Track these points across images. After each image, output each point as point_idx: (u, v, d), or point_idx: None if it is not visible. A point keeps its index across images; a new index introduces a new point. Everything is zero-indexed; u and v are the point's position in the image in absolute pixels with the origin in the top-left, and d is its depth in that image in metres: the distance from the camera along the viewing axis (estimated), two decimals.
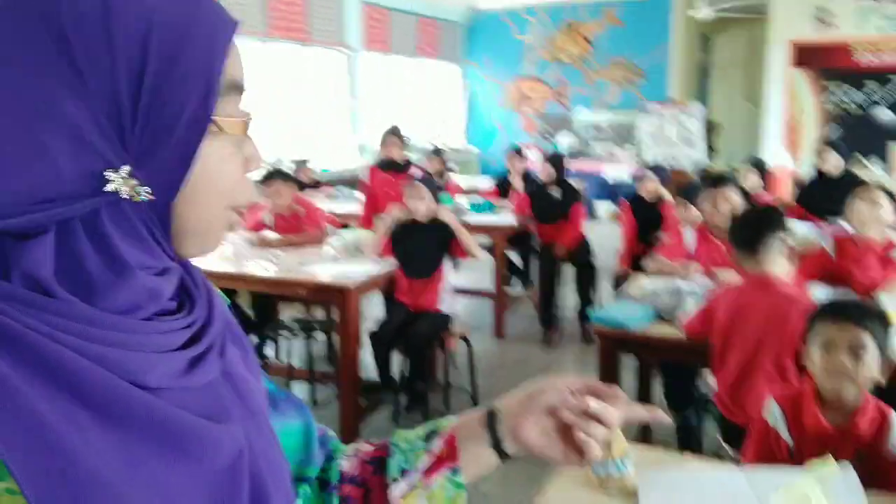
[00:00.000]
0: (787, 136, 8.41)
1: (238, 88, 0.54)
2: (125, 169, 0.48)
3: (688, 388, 3.20)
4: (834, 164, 4.60)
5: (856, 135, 7.76)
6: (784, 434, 1.72)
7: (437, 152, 6.42)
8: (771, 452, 1.73)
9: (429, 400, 3.64)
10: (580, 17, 9.89)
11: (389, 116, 8.17)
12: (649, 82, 9.54)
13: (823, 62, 8.15)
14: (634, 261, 4.25)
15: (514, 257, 5.78)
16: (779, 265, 2.29)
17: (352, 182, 6.38)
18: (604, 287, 4.96)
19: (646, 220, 4.50)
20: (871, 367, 1.66)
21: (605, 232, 6.58)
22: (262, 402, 0.62)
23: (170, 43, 0.49)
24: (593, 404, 0.70)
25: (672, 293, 2.76)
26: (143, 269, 0.51)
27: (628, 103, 9.62)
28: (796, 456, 1.70)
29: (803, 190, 4.83)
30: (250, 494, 0.55)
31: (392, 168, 5.02)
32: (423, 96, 10.06)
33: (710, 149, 9.07)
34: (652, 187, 4.53)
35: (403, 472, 0.73)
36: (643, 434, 3.26)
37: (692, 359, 2.83)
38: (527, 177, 5.67)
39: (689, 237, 3.33)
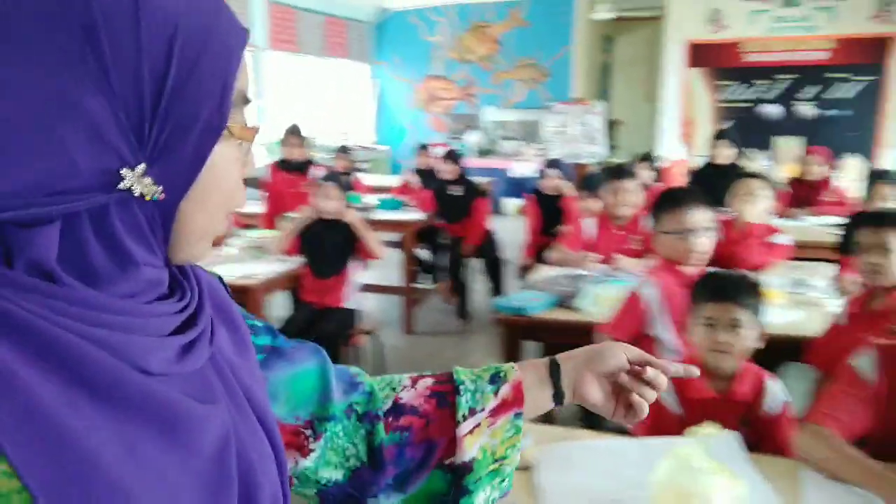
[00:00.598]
0: (684, 131, 8.81)
1: (245, 99, 0.56)
2: (140, 167, 0.49)
3: None
4: (726, 154, 4.83)
5: (745, 129, 8.19)
6: (672, 405, 1.79)
7: (345, 151, 6.36)
8: (661, 424, 1.80)
9: None
10: (487, 17, 10.02)
11: (297, 116, 8.03)
12: (554, 82, 9.78)
13: (717, 61, 8.58)
14: (539, 252, 4.34)
15: (424, 252, 5.82)
16: None
17: (255, 182, 6.24)
18: (511, 278, 5.05)
19: (549, 214, 4.62)
20: (749, 338, 1.76)
21: (512, 226, 6.70)
22: (250, 384, 0.62)
23: (192, 47, 0.50)
24: (650, 371, 0.80)
25: (571, 279, 2.84)
26: (145, 265, 0.52)
27: (534, 102, 9.83)
28: (685, 426, 1.78)
29: (694, 179, 5.04)
30: (240, 479, 0.55)
31: (293, 168, 4.94)
32: (333, 96, 9.96)
33: (612, 145, 9.39)
34: (554, 182, 4.65)
35: (471, 411, 0.78)
36: (545, 414, 3.34)
37: (591, 341, 2.92)
38: (431, 174, 5.71)
39: (591, 227, 3.44)
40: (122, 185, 0.48)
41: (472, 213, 5.08)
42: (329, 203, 3.48)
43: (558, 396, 0.82)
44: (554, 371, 0.82)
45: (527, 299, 2.71)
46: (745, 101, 8.54)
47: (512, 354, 2.70)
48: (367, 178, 7.11)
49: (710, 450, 1.51)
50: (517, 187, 9.40)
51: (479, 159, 9.76)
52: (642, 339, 2.29)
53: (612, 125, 9.41)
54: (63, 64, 0.46)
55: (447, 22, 10.21)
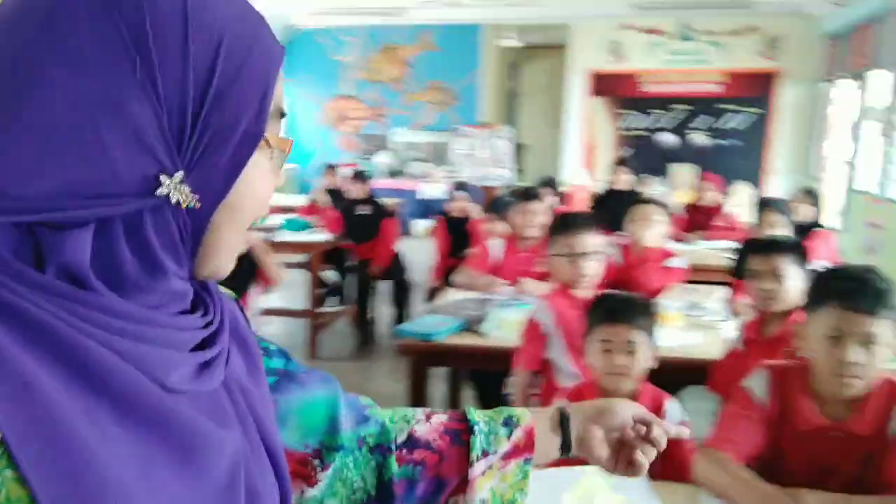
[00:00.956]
0: (586, 157, 9.09)
1: (281, 112, 0.56)
2: (179, 174, 0.49)
3: (497, 393, 3.29)
4: (624, 181, 4.99)
5: (643, 156, 8.55)
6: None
7: None
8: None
9: None
10: (397, 40, 10.06)
11: None
12: (463, 106, 9.90)
13: (617, 91, 8.93)
14: (447, 275, 4.33)
15: (331, 274, 5.70)
16: None
17: None
18: (418, 301, 5.00)
19: (457, 237, 4.62)
20: (644, 360, 1.77)
21: (421, 248, 6.68)
22: (260, 411, 0.61)
23: (236, 57, 0.51)
24: (657, 431, 0.82)
25: (478, 303, 2.83)
26: (174, 276, 0.51)
27: (443, 125, 9.91)
28: None
29: (595, 204, 5.18)
30: None
31: None
32: None
33: (519, 169, 9.57)
34: (461, 205, 4.66)
35: (484, 452, 0.78)
36: None
37: (497, 366, 2.91)
38: (339, 194, 5.62)
39: (498, 250, 3.44)
40: (159, 192, 0.48)
41: (380, 234, 5.01)
42: None
43: (566, 447, 0.83)
44: (564, 421, 0.84)
45: (432, 324, 2.66)
46: (644, 129, 8.91)
47: (418, 381, 2.65)
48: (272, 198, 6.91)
49: (612, 480, 1.51)
50: (426, 209, 9.41)
51: (388, 180, 9.73)
52: (543, 364, 2.29)
53: (518, 149, 9.60)
54: (111, 68, 0.46)
55: (358, 42, 10.18)
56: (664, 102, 8.79)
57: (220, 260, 0.55)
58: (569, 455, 0.84)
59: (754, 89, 8.56)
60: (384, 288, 5.10)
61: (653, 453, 0.83)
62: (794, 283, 2.11)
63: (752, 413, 1.57)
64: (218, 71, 0.50)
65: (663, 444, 0.83)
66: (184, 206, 0.50)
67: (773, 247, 2.22)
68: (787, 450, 1.56)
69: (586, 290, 2.34)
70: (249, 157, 0.52)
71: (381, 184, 9.39)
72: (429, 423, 0.82)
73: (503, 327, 2.62)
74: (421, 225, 9.43)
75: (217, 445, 0.52)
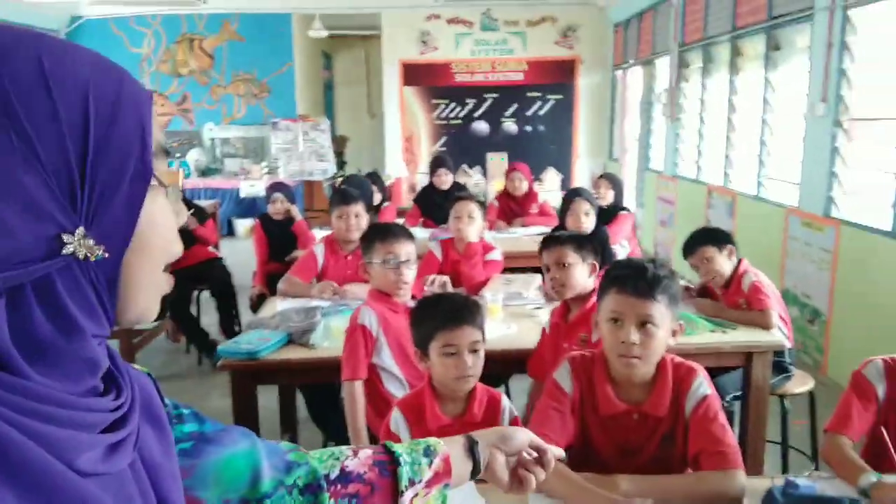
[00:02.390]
0: (405, 147, 9.19)
1: (164, 151, 0.59)
2: (79, 230, 0.50)
3: (332, 403, 3.25)
4: (444, 181, 5.09)
5: (460, 146, 8.79)
6: (406, 439, 1.78)
7: None
8: None
9: None
10: (198, 30, 9.52)
11: None
12: (277, 98, 9.60)
13: (429, 81, 9.08)
14: (270, 280, 4.19)
15: None
16: None
17: None
18: (244, 309, 4.79)
19: (280, 240, 4.48)
20: (482, 359, 1.79)
21: (245, 248, 6.41)
22: (168, 487, 0.62)
23: (106, 108, 0.52)
24: (548, 456, 0.97)
25: (304, 313, 2.75)
26: (92, 334, 0.52)
27: (257, 118, 9.57)
28: None
29: (418, 200, 5.26)
30: None
31: None
32: None
33: (341, 161, 9.47)
34: (281, 207, 4.52)
35: (411, 482, 0.86)
36: None
37: (330, 377, 2.87)
38: None
39: (320, 254, 3.38)
40: (64, 251, 0.49)
41: (195, 239, 4.72)
42: None
43: (476, 471, 0.93)
44: (473, 448, 0.94)
45: (255, 340, 2.56)
46: (458, 118, 9.16)
47: (247, 400, 2.54)
48: None
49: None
50: (248, 207, 9.06)
51: (203, 179, 9.24)
52: (369, 369, 2.29)
53: (338, 141, 9.49)
54: None
55: (153, 34, 9.51)
56: (476, 92, 9.09)
57: (143, 303, 0.58)
58: (476, 477, 0.94)
59: (556, 76, 9.09)
60: (206, 297, 4.84)
61: (542, 475, 0.96)
62: (578, 269, 2.34)
63: (559, 404, 1.67)
64: (92, 123, 0.51)
65: (552, 466, 0.96)
66: (92, 258, 0.51)
67: (554, 241, 2.44)
68: (593, 434, 1.68)
69: (405, 297, 2.38)
70: (143, 198, 0.55)
71: (195, 183, 8.90)
72: (357, 458, 0.88)
73: (331, 337, 2.58)
74: (243, 225, 9.07)
75: None
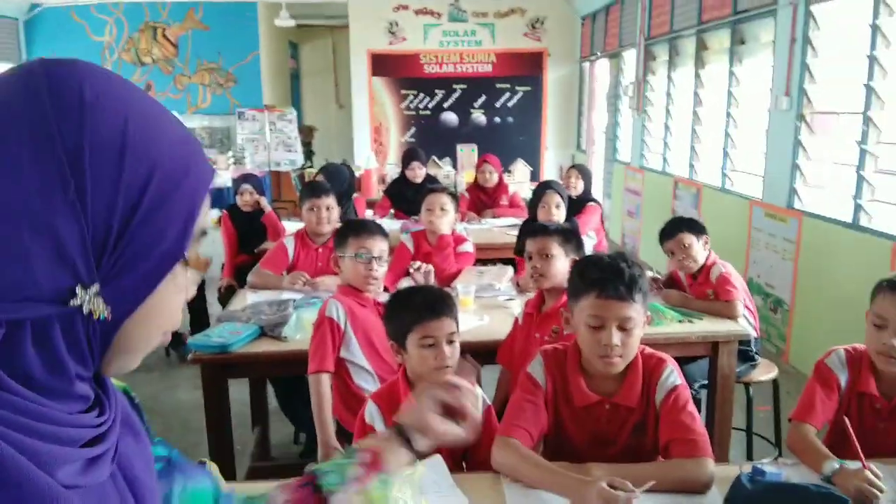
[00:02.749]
0: (374, 139, 9.14)
1: (203, 232, 0.59)
2: (94, 287, 0.51)
3: (301, 395, 3.23)
4: (418, 173, 5.07)
5: (430, 137, 8.78)
6: (380, 429, 1.79)
7: None
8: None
9: None
10: (161, 18, 9.34)
11: None
12: (243, 88, 9.48)
13: (398, 72, 9.04)
14: (239, 272, 4.15)
15: None
16: None
17: None
18: (212, 301, 4.73)
19: (247, 231, 4.44)
20: (458, 350, 1.80)
21: (211, 240, 6.33)
22: (147, 497, 0.63)
23: (167, 185, 0.54)
24: (464, 384, 0.98)
25: (275, 306, 2.74)
26: (79, 379, 0.54)
27: (223, 108, 9.44)
28: None
29: (389, 191, 5.23)
30: None
31: None
32: None
33: (309, 152, 9.39)
34: (250, 198, 4.47)
35: (339, 485, 0.87)
36: (263, 454, 3.21)
37: (301, 370, 2.85)
38: None
39: (290, 246, 3.35)
40: (73, 303, 0.51)
41: None
42: None
43: (413, 449, 0.94)
44: (399, 431, 0.94)
45: (226, 333, 2.53)
46: (428, 109, 9.14)
47: (218, 393, 2.52)
48: None
49: (418, 475, 1.55)
50: (215, 198, 8.92)
51: None
52: (337, 363, 2.28)
53: (306, 132, 9.40)
54: (44, 185, 0.49)
55: (115, 21, 9.30)
56: (445, 83, 9.07)
57: (127, 361, 0.59)
58: (422, 453, 0.95)
59: (525, 69, 9.12)
60: None
61: (476, 400, 0.98)
62: (560, 262, 2.37)
63: (535, 396, 1.69)
64: (147, 196, 0.53)
65: (477, 392, 0.93)
66: (95, 316, 0.52)
67: (542, 230, 2.47)
68: (567, 425, 1.71)
69: (374, 292, 2.39)
70: (166, 274, 0.56)
71: None
72: (283, 491, 0.90)
73: (303, 329, 2.57)
74: (210, 216, 8.95)
75: None
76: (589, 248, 3.94)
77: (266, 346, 2.51)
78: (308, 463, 2.85)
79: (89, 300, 0.51)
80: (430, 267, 3.03)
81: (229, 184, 8.09)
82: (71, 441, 0.53)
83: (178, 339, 4.49)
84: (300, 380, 3.22)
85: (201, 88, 9.54)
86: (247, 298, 3.01)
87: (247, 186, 4.48)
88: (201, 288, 4.63)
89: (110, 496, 0.58)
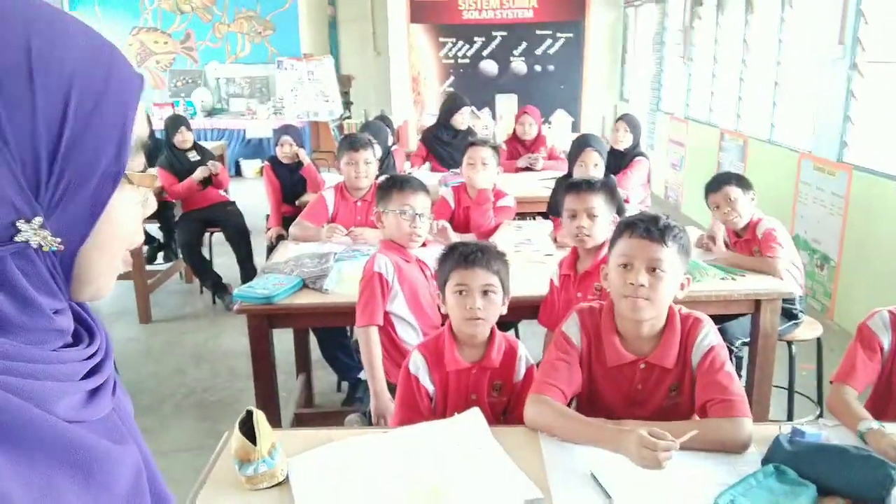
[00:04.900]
0: (413, 88, 9.05)
1: (143, 145, 0.58)
2: (37, 220, 0.50)
3: (344, 345, 3.32)
4: (460, 122, 4.99)
5: (468, 87, 8.65)
6: (425, 381, 1.83)
7: None
8: (415, 401, 1.84)
9: None
10: None
11: None
12: (281, 36, 9.43)
13: (437, 18, 8.87)
14: (285, 223, 4.20)
15: (155, 231, 5.37)
16: None
17: None
18: (259, 251, 4.82)
19: (288, 182, 4.48)
20: (499, 305, 1.83)
21: (253, 190, 6.40)
22: (139, 433, 0.64)
23: (89, 100, 0.51)
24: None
25: (317, 259, 2.78)
26: (54, 312, 0.53)
27: (262, 57, 9.42)
28: (440, 401, 1.84)
29: (425, 139, 5.16)
30: None
31: None
32: None
33: (347, 102, 9.35)
34: (290, 150, 4.49)
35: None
36: (307, 402, 3.31)
37: (341, 322, 2.92)
38: (155, 142, 5.22)
39: (330, 199, 3.38)
40: (18, 238, 0.50)
41: (208, 180, 4.74)
42: None
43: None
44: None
45: (270, 285, 2.59)
46: (466, 57, 8.98)
47: (261, 342, 2.59)
48: None
49: (457, 427, 1.59)
50: (255, 149, 9.02)
51: (208, 119, 9.16)
52: (384, 316, 2.33)
53: (344, 81, 9.35)
54: None
55: None
56: (484, 30, 8.88)
57: (98, 286, 0.58)
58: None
59: (566, 14, 8.86)
60: (219, 238, 4.88)
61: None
62: (603, 220, 2.33)
63: (568, 356, 1.70)
64: (70, 118, 0.50)
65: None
66: (45, 249, 0.51)
67: (586, 187, 2.40)
68: (601, 385, 1.72)
69: (417, 247, 2.41)
70: (110, 196, 0.54)
71: (201, 124, 8.83)
72: None
73: (344, 282, 2.61)
74: (251, 166, 9.04)
75: (117, 461, 0.55)
76: (635, 204, 3.89)
77: (308, 298, 2.56)
78: (349, 410, 2.95)
79: (34, 233, 0.50)
80: (444, 222, 3.02)
81: (270, 134, 8.13)
82: (65, 376, 0.53)
83: (224, 288, 4.62)
84: (341, 330, 3.31)
85: (240, 37, 9.53)
86: (289, 251, 3.06)
87: (286, 138, 4.50)
88: (246, 238, 4.73)
89: (117, 423, 0.59)
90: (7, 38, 0.49)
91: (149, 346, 4.17)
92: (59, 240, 0.52)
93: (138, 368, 3.82)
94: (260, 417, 1.47)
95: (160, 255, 5.48)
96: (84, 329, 0.59)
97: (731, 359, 2.03)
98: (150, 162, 4.96)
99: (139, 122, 0.56)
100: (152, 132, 5.53)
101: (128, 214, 0.58)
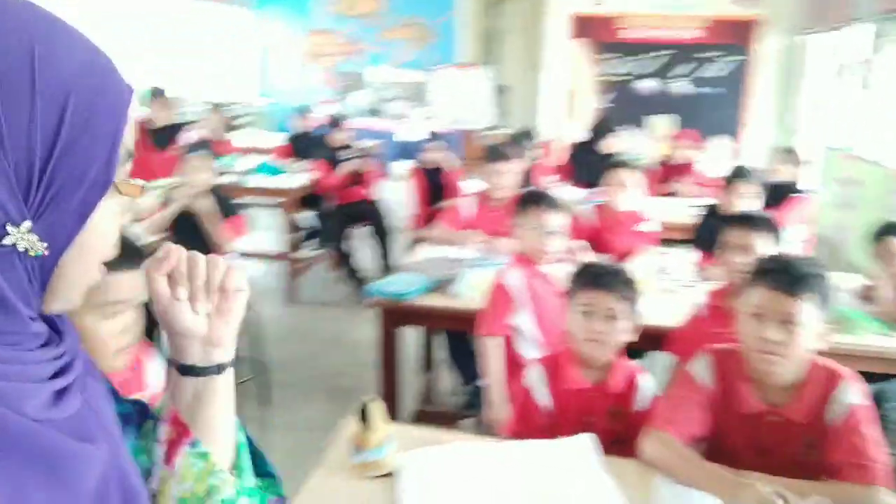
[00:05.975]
0: (567, 104, 8.99)
1: (130, 155, 0.58)
2: (25, 224, 0.51)
3: (470, 349, 3.34)
4: (608, 144, 4.91)
5: (622, 105, 8.47)
6: (541, 396, 1.83)
7: (218, 108, 6.05)
8: (528, 415, 1.84)
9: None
10: None
11: (171, 67, 7.53)
12: (441, 44, 9.68)
13: (597, 35, 8.76)
14: (427, 224, 4.32)
15: (308, 218, 5.70)
16: None
17: None
18: (398, 248, 5.00)
19: (432, 187, 4.61)
20: (624, 330, 1.79)
21: (399, 191, 6.63)
22: (114, 430, 0.64)
23: (84, 109, 0.52)
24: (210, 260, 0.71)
25: (449, 263, 2.84)
26: (28, 317, 0.54)
27: (421, 63, 9.72)
28: (553, 418, 1.83)
29: (574, 157, 5.12)
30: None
31: (158, 132, 4.64)
32: (211, 44, 9.40)
33: (501, 112, 9.45)
34: (435, 155, 4.63)
35: (149, 472, 0.71)
36: (427, 400, 3.38)
37: (467, 327, 2.95)
38: (314, 138, 5.54)
39: (471, 205, 3.44)
40: (6, 241, 0.50)
41: (360, 178, 5.00)
42: (197, 176, 3.30)
43: (190, 370, 0.72)
44: (172, 363, 0.74)
45: (402, 283, 2.68)
46: (623, 75, 8.80)
47: (388, 338, 2.69)
48: (244, 138, 6.83)
49: (569, 450, 1.57)
50: (403, 151, 9.32)
51: (364, 120, 9.58)
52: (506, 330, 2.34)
53: (499, 92, 9.46)
54: None
55: None
56: (645, 48, 8.66)
57: (70, 297, 0.57)
58: (222, 370, 0.73)
59: (734, 37, 8.47)
60: (365, 233, 5.12)
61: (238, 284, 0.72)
62: None
63: (695, 395, 1.63)
64: (66, 124, 0.51)
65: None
66: (32, 253, 0.51)
67: (747, 222, 2.27)
68: (729, 432, 1.63)
69: (549, 265, 2.40)
70: (97, 204, 0.55)
71: (358, 124, 9.25)
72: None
73: (474, 288, 2.65)
74: (398, 167, 9.35)
75: (85, 460, 0.54)
76: (796, 244, 3.65)
77: (437, 300, 2.63)
78: (467, 414, 2.98)
79: (22, 237, 0.51)
80: (584, 243, 2.97)
81: (421, 138, 8.37)
82: (35, 377, 0.53)
83: (361, 280, 4.84)
84: (470, 334, 3.35)
85: (402, 43, 9.88)
86: (425, 252, 3.15)
87: (434, 144, 4.65)
88: (389, 237, 4.93)
89: (89, 422, 0.58)
90: (12, 42, 0.49)
91: (291, 326, 4.45)
92: (45, 245, 0.52)
93: (280, 346, 4.07)
94: (376, 408, 1.53)
95: (310, 242, 5.81)
96: (53, 329, 0.59)
97: (885, 424, 1.85)
98: (306, 156, 5.28)
99: (129, 132, 0.57)
100: (308, 133, 5.85)
101: (110, 224, 0.58)
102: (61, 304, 0.57)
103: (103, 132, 0.54)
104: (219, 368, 0.73)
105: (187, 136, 4.55)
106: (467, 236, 3.24)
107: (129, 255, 1.05)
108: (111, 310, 1.24)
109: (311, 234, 5.77)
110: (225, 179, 4.46)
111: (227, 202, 3.44)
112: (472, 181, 4.89)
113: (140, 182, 0.60)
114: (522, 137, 4.85)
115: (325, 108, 8.59)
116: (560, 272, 2.28)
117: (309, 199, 5.13)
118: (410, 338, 2.97)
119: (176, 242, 0.73)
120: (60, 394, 0.55)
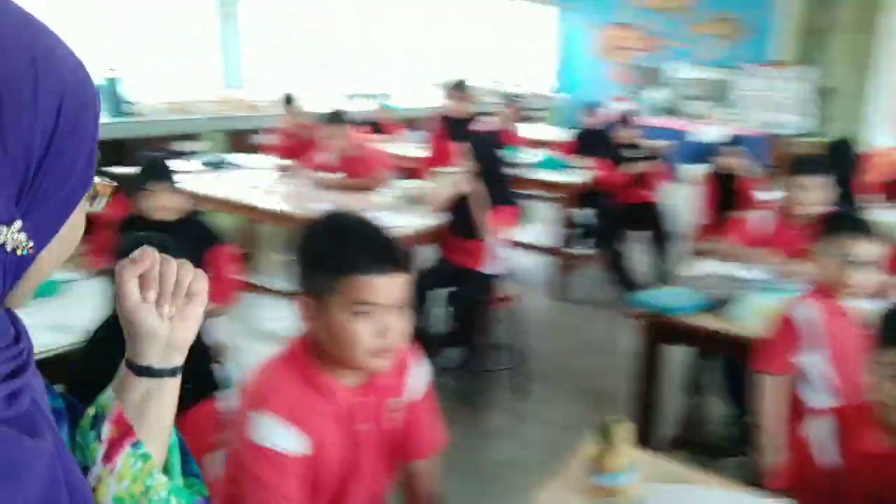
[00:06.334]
0: None
1: (95, 154, 0.59)
2: (17, 223, 0.51)
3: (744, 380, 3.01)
4: None
5: None
6: (830, 454, 1.56)
7: (513, 99, 6.21)
8: (809, 474, 1.58)
9: (475, 360, 3.58)
10: None
11: (470, 60, 7.92)
12: (754, 40, 8.86)
13: None
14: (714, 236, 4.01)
15: (586, 216, 5.63)
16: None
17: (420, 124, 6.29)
18: (676, 256, 4.71)
19: (723, 194, 4.24)
20: None
21: (686, 196, 6.24)
22: (56, 428, 0.63)
23: (74, 110, 0.53)
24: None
25: (728, 282, 2.57)
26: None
27: (727, 61, 9.00)
28: (839, 482, 1.55)
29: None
30: (72, 499, 0.57)
31: (455, 123, 4.88)
32: (513, 38, 9.74)
33: (822, 117, 8.41)
34: (731, 161, 4.24)
35: (86, 470, 0.70)
36: (689, 426, 3.10)
37: (740, 353, 2.65)
38: (600, 134, 5.43)
39: (766, 221, 3.07)
40: None
41: (643, 178, 4.80)
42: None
43: (144, 370, 0.72)
44: (135, 367, 0.73)
45: (671, 296, 2.48)
46: None
47: (650, 352, 2.51)
48: (534, 131, 6.94)
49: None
50: (697, 154, 8.75)
51: (659, 118, 9.18)
52: (789, 370, 2.03)
53: (824, 94, 8.40)
54: None
55: None
56: None
57: (29, 294, 0.59)
58: (175, 373, 0.73)
59: None
60: (642, 237, 4.91)
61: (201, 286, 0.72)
62: None
63: None
64: (60, 122, 0.52)
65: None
66: (19, 252, 0.52)
67: None
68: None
69: (852, 301, 2.02)
70: (78, 202, 0.57)
71: (651, 122, 8.90)
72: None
73: (757, 313, 2.35)
74: (689, 171, 8.82)
75: (32, 454, 0.54)
76: None
77: (710, 320, 2.39)
78: (732, 452, 2.68)
79: (11, 237, 0.51)
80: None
81: (719, 140, 7.77)
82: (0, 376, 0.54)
83: (631, 286, 4.64)
84: (744, 363, 3.00)
85: (711, 39, 9.24)
86: (708, 266, 2.89)
87: (734, 148, 4.27)
88: (669, 244, 4.66)
89: (37, 419, 0.58)
90: (15, 46, 0.50)
91: (553, 321, 4.45)
92: (31, 244, 0.53)
93: (543, 339, 4.08)
94: (621, 429, 1.41)
95: (586, 241, 5.72)
96: (16, 330, 0.59)
97: None
98: (591, 153, 5.19)
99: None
100: (597, 130, 5.76)
101: (78, 224, 0.59)
102: (17, 300, 0.58)
103: (86, 133, 0.55)
104: (173, 371, 0.74)
105: (478, 127, 4.73)
106: (761, 255, 2.89)
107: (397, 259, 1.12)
108: (365, 310, 1.26)
109: (587, 233, 5.67)
110: (479, 186, 4.58)
111: (506, 192, 3.50)
112: (772, 193, 4.41)
113: (107, 181, 0.62)
114: (841, 147, 4.22)
115: (616, 105, 8.40)
116: (866, 311, 1.91)
117: (589, 196, 5.04)
118: (677, 355, 2.74)
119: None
120: (14, 395, 0.55)
